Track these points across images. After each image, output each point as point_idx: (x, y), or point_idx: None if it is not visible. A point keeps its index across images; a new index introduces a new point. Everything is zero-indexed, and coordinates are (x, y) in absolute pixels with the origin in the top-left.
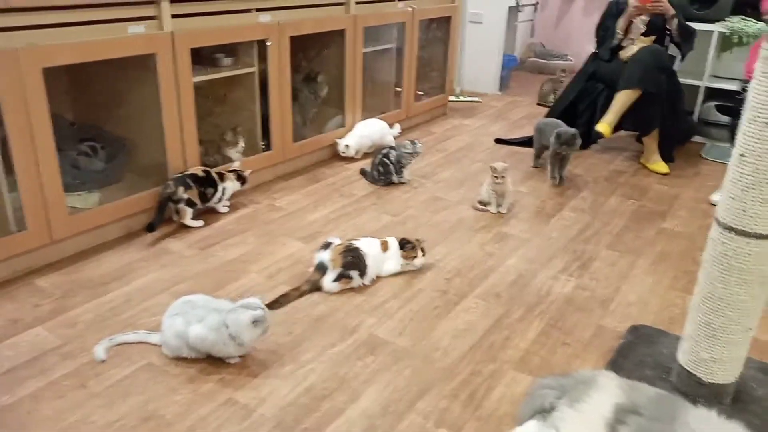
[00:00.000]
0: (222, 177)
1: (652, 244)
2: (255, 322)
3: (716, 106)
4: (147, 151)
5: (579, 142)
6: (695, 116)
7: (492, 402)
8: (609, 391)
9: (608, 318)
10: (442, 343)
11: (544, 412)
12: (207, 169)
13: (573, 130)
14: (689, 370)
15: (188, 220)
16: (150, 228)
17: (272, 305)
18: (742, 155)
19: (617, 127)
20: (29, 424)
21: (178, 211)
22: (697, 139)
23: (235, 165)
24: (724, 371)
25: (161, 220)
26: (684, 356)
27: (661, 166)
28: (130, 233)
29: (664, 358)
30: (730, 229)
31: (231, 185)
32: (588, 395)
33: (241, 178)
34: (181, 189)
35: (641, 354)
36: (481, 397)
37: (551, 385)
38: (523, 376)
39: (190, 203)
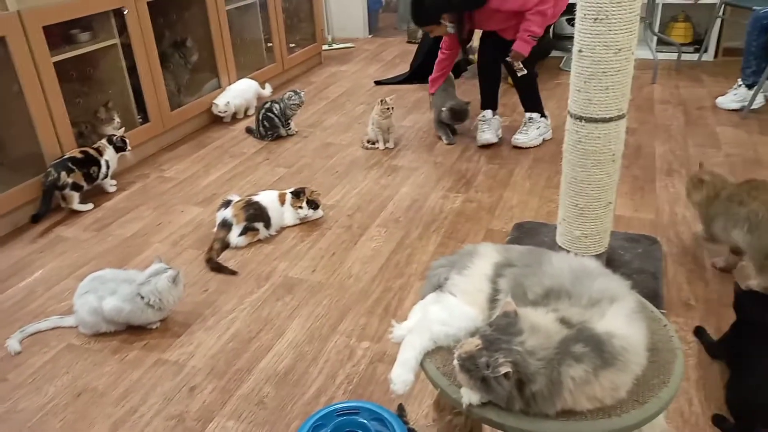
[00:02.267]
0: (100, 151)
1: (525, 152)
2: (174, 280)
3: (567, 19)
4: (17, 142)
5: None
6: (550, 32)
7: (405, 310)
8: (488, 255)
9: (495, 221)
10: (354, 271)
11: (440, 287)
12: (84, 149)
13: (465, 106)
14: (566, 248)
15: (76, 205)
16: (35, 218)
17: (220, 271)
18: (580, 51)
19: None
20: None
21: (64, 198)
22: (555, 53)
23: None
24: (595, 244)
25: (48, 208)
26: (561, 238)
27: None
28: (17, 228)
29: (546, 245)
30: (580, 118)
31: (111, 154)
32: (472, 262)
33: (113, 143)
34: (63, 174)
35: (526, 244)
36: (395, 308)
37: (442, 264)
38: None
39: (75, 187)
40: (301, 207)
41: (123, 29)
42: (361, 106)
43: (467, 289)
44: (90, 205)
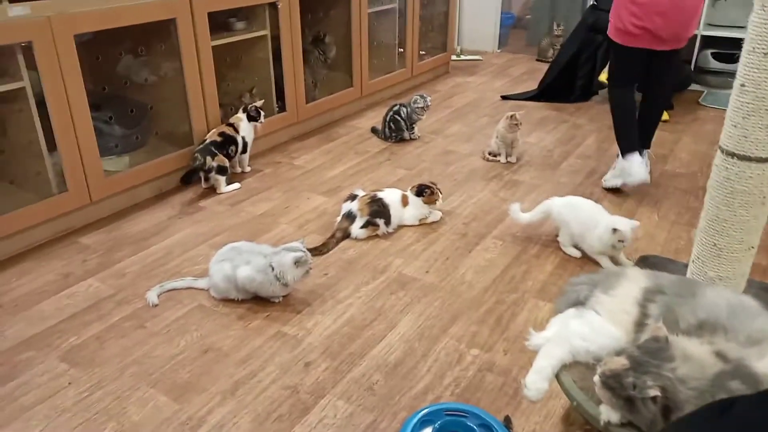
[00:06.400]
0: (235, 128)
1: (656, 184)
2: (297, 262)
3: (712, 53)
4: (170, 115)
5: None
6: (692, 64)
7: (517, 325)
8: (636, 278)
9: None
10: (467, 278)
11: (578, 304)
12: (221, 131)
13: None
14: None
15: (223, 188)
16: (185, 179)
17: (319, 250)
18: (742, 85)
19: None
20: (99, 359)
21: (207, 179)
22: (694, 87)
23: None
24: (729, 288)
25: (193, 179)
26: (693, 276)
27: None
28: (161, 194)
29: None
30: (733, 155)
31: (245, 126)
32: (619, 283)
33: (246, 111)
34: (208, 159)
35: None
36: (507, 322)
37: (584, 281)
38: (543, 303)
39: (221, 170)
40: (436, 200)
41: (273, 21)
42: (484, 118)
43: (613, 309)
44: (237, 185)
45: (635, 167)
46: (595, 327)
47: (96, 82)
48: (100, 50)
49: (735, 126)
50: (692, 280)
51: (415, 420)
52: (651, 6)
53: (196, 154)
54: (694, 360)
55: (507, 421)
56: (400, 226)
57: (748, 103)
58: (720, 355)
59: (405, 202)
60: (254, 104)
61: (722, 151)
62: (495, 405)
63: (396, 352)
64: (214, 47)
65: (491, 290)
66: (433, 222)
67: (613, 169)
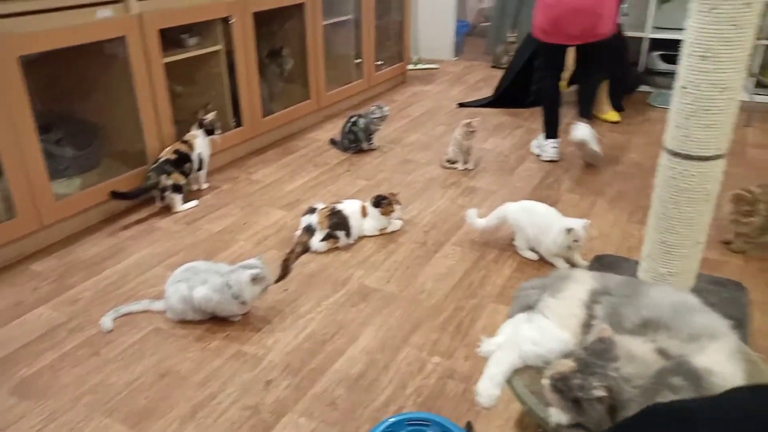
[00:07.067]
0: (190, 145)
1: (609, 185)
2: (254, 279)
3: (660, 55)
4: (122, 135)
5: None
6: (641, 66)
7: (477, 331)
8: (584, 280)
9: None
10: (427, 287)
11: (529, 309)
12: (176, 148)
13: None
14: None
15: (180, 206)
16: (119, 195)
17: (282, 277)
18: (683, 87)
19: (571, 81)
20: (51, 390)
21: (163, 198)
22: (644, 88)
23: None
24: (680, 283)
25: (135, 197)
26: (644, 274)
27: (613, 115)
28: (114, 215)
29: None
30: (676, 154)
31: (201, 143)
32: (566, 286)
33: (202, 126)
34: (163, 177)
35: None
36: (467, 328)
37: (534, 285)
38: (502, 307)
39: (176, 189)
40: (392, 210)
41: (227, 36)
42: (441, 126)
43: (561, 313)
44: (194, 202)
45: (549, 149)
46: (543, 331)
47: (44, 103)
48: (48, 70)
49: (677, 126)
50: (638, 280)
51: None
52: (557, 7)
53: (149, 174)
54: (638, 359)
55: (469, 427)
56: (361, 237)
57: (689, 104)
58: (662, 353)
59: (364, 212)
60: (206, 117)
61: (667, 151)
62: (457, 411)
63: (358, 364)
64: (166, 64)
65: (451, 297)
66: (394, 231)
67: (536, 140)
